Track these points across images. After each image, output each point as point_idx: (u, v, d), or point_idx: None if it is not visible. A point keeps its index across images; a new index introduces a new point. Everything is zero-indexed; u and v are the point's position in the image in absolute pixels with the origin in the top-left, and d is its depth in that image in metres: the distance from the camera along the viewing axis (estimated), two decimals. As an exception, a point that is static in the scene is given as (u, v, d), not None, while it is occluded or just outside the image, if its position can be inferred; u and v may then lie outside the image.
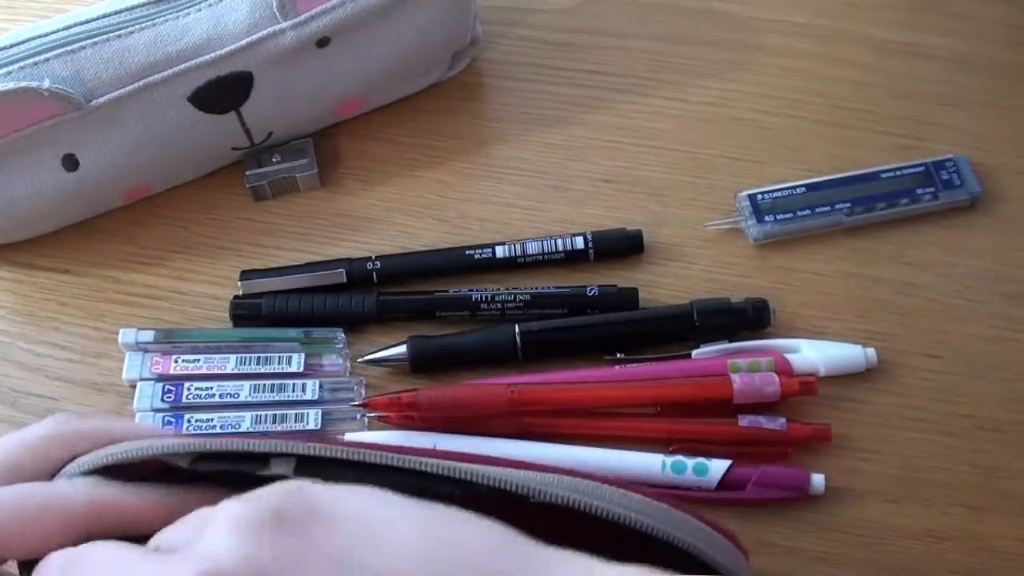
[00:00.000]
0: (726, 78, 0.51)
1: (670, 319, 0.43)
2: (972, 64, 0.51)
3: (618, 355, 0.42)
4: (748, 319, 0.43)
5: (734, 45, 0.52)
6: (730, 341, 0.42)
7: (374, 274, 0.45)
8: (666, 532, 0.27)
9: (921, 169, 0.47)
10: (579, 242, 0.45)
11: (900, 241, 0.46)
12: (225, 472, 0.28)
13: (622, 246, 0.45)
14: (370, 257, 0.45)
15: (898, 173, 0.46)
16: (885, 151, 0.48)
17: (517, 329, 0.42)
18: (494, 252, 0.45)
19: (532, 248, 0.45)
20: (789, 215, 0.45)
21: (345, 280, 0.44)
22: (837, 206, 0.46)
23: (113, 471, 0.28)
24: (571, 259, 0.45)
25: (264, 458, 0.28)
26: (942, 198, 0.46)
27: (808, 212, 0.46)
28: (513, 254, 0.45)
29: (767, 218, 0.45)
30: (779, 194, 0.46)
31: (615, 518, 0.27)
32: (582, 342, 0.43)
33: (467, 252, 0.45)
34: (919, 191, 0.46)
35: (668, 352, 0.43)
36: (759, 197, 0.46)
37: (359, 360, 0.43)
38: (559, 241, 0.45)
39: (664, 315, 0.43)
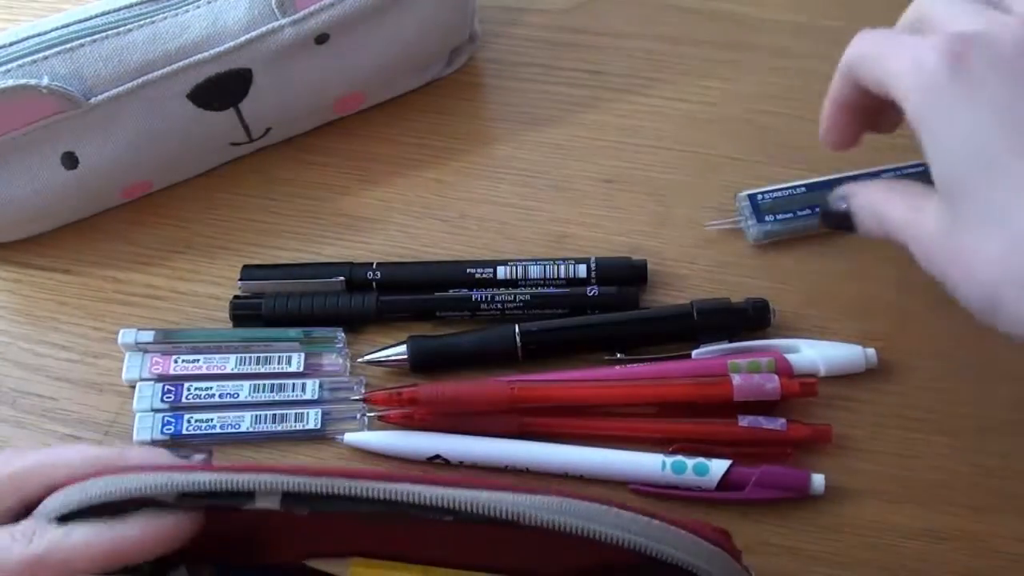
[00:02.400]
0: (726, 78, 0.51)
1: (670, 319, 0.43)
2: (972, 64, 0.51)
3: (618, 355, 0.42)
4: (748, 319, 0.43)
5: (734, 45, 0.52)
6: (730, 341, 0.42)
7: (373, 283, 0.44)
8: (656, 549, 0.27)
9: (921, 169, 0.46)
10: (582, 270, 0.44)
11: (900, 241, 0.46)
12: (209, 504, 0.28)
13: (625, 275, 0.44)
14: (370, 265, 0.45)
15: (898, 173, 0.46)
16: (885, 151, 0.48)
17: (517, 329, 0.42)
18: (495, 272, 0.44)
19: (534, 272, 0.44)
20: (789, 215, 0.45)
21: (344, 288, 0.44)
22: (837, 206, 0.46)
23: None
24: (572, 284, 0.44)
25: (250, 493, 0.28)
26: (942, 198, 0.46)
27: (808, 212, 0.45)
28: (514, 276, 0.44)
29: (767, 218, 0.45)
30: (779, 194, 0.46)
31: (605, 539, 0.27)
32: (582, 342, 0.43)
33: (468, 270, 0.44)
34: (919, 191, 0.46)
35: (668, 352, 0.43)
36: (759, 197, 0.46)
37: (359, 360, 0.43)
38: (561, 267, 0.44)
39: (664, 315, 0.43)
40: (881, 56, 0.34)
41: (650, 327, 0.43)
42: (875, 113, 0.38)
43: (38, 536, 0.28)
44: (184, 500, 0.28)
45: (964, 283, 0.32)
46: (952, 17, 0.33)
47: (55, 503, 0.29)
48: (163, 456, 0.32)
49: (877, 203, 0.37)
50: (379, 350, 0.43)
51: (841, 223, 0.38)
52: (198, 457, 0.32)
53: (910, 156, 0.47)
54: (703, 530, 0.29)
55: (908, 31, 0.35)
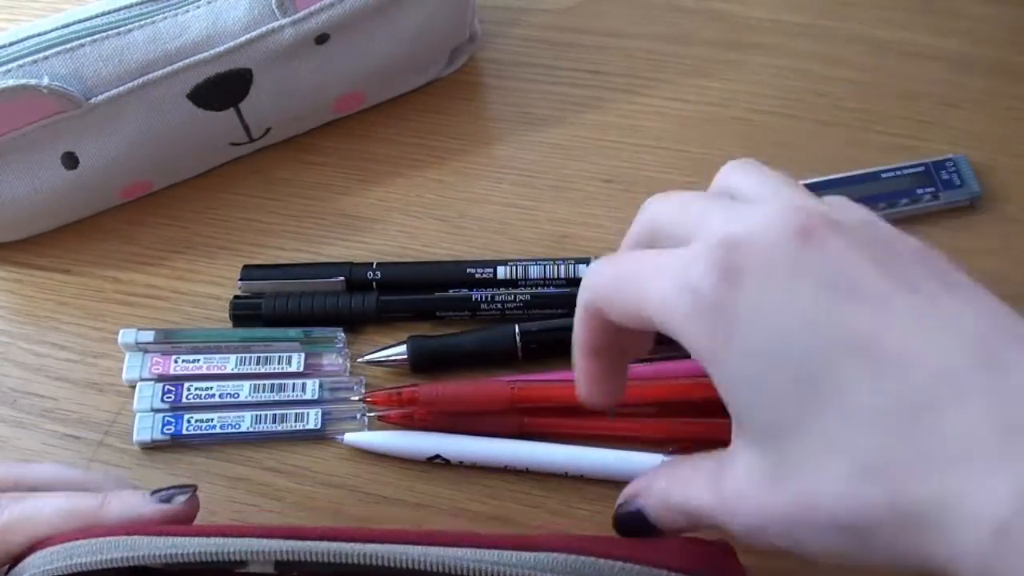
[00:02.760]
0: (726, 78, 0.51)
1: None
2: (972, 64, 0.51)
3: None
4: None
5: (734, 45, 0.52)
6: None
7: (373, 283, 0.44)
8: None
9: (921, 169, 0.46)
10: (582, 270, 0.44)
11: (900, 241, 0.46)
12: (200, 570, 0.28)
13: None
14: (371, 265, 0.45)
15: (898, 173, 0.46)
16: (885, 151, 0.48)
17: (517, 329, 0.42)
18: (495, 272, 0.44)
19: (534, 272, 0.44)
20: (789, 215, 0.45)
21: (344, 288, 0.44)
22: (837, 206, 0.46)
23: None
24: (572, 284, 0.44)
25: (242, 561, 0.27)
26: (942, 198, 0.46)
27: (808, 212, 0.45)
28: (514, 276, 0.44)
29: (767, 218, 0.45)
30: (779, 194, 0.46)
31: None
32: None
33: (468, 270, 0.44)
34: (919, 191, 0.46)
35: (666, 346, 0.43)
36: (759, 197, 0.46)
37: (359, 360, 0.43)
38: (561, 267, 0.44)
39: None
40: (630, 287, 0.28)
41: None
42: (635, 343, 0.32)
43: None
44: (173, 566, 0.27)
45: (814, 534, 0.25)
46: (700, 221, 0.28)
47: (39, 565, 0.28)
48: (145, 504, 0.31)
49: (671, 492, 0.29)
50: (379, 350, 0.43)
51: (640, 528, 0.30)
52: (180, 499, 0.31)
53: (910, 156, 0.47)
54: (704, 552, 0.29)
55: (646, 247, 0.30)
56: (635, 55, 0.52)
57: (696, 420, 0.40)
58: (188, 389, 0.42)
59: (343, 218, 0.47)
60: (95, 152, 0.43)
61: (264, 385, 0.42)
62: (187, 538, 0.27)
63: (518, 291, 0.44)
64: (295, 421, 0.41)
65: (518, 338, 0.42)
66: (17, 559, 0.29)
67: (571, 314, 0.42)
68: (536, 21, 0.53)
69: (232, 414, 0.41)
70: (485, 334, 0.43)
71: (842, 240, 0.26)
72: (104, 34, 0.42)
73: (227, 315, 0.44)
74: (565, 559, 0.27)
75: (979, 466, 0.22)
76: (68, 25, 0.42)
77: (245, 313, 0.44)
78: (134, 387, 0.42)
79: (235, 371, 0.42)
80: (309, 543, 0.27)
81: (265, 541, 0.27)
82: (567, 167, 0.49)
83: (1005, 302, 0.44)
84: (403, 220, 0.47)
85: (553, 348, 0.43)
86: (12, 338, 0.44)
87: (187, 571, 0.28)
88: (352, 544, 0.27)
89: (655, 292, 0.27)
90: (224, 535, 0.27)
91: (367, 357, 0.42)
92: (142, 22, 0.42)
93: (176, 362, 0.42)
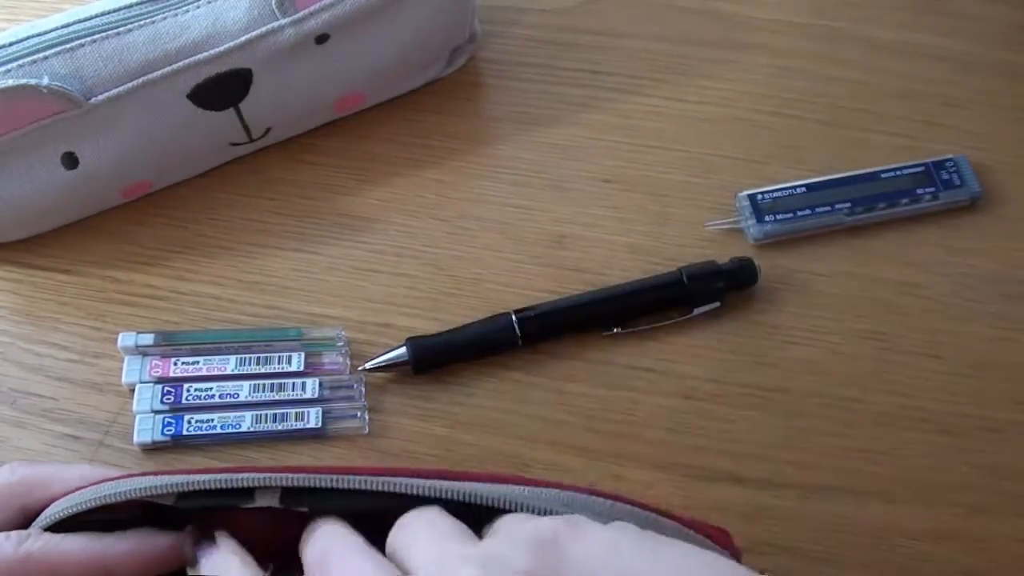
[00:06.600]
0: (726, 78, 0.51)
1: (661, 288, 0.44)
2: (972, 64, 0.51)
3: (615, 330, 0.43)
4: (736, 278, 0.44)
5: (734, 45, 0.52)
6: (722, 303, 0.43)
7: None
8: None
9: (921, 169, 0.47)
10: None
11: (900, 241, 0.46)
12: (207, 507, 0.28)
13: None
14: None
15: (898, 173, 0.46)
16: (885, 151, 0.48)
17: (515, 318, 0.42)
18: None
19: None
20: (789, 215, 0.45)
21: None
22: (837, 206, 0.46)
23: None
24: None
25: (249, 492, 0.28)
26: (942, 198, 0.46)
27: (808, 212, 0.46)
28: None
29: (767, 218, 0.45)
30: (779, 194, 0.46)
31: None
32: (579, 320, 0.43)
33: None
34: (919, 191, 0.46)
35: (663, 320, 0.43)
36: (759, 197, 0.46)
37: (360, 369, 0.42)
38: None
39: (655, 285, 0.44)
40: None
41: (643, 299, 0.44)
42: None
43: (31, 540, 0.28)
44: (183, 501, 0.28)
45: None
46: None
47: (52, 510, 0.29)
48: None
49: None
50: (380, 355, 0.42)
51: None
52: None
53: (910, 156, 0.47)
54: (703, 528, 0.29)
55: None
56: (634, 55, 0.52)
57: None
58: (188, 390, 0.42)
59: (343, 218, 0.47)
60: (95, 152, 0.43)
61: (264, 385, 0.42)
62: (194, 473, 0.28)
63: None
64: (295, 420, 0.41)
65: (517, 327, 0.42)
66: (30, 519, 0.29)
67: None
68: (536, 21, 0.53)
69: (232, 414, 0.41)
70: (483, 327, 0.43)
71: None
72: (104, 34, 0.42)
73: (226, 315, 0.44)
74: (559, 494, 0.27)
75: None
76: (68, 25, 0.42)
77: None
78: (133, 389, 0.42)
79: (235, 372, 0.42)
80: (314, 475, 0.28)
81: (273, 473, 0.28)
82: (566, 167, 0.49)
83: (1004, 301, 0.44)
84: (403, 220, 0.47)
85: (551, 329, 0.43)
86: (12, 338, 0.44)
87: (197, 511, 0.28)
88: (358, 476, 0.27)
89: None
90: (232, 471, 0.28)
91: (369, 364, 0.42)
92: (142, 22, 0.42)
93: (176, 364, 0.42)
